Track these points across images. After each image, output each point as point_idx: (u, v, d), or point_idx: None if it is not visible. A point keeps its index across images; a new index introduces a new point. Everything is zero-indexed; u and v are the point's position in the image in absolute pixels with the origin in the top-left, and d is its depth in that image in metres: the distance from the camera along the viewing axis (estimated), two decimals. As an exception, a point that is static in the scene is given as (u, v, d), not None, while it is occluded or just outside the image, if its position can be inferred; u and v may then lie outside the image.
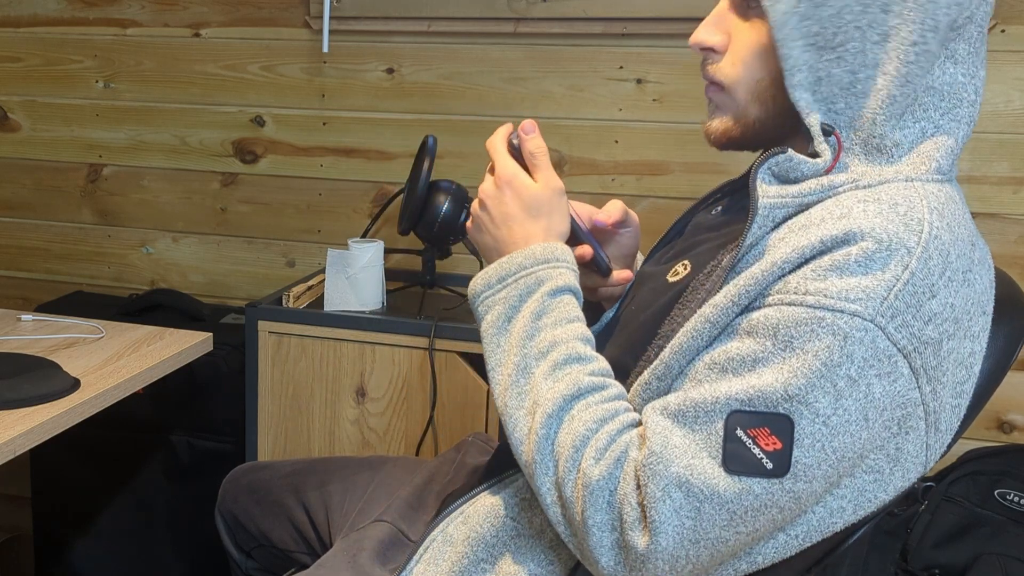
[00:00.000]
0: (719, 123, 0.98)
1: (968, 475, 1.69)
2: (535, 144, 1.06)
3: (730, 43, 0.96)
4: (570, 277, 1.00)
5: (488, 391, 1.71)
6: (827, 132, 0.90)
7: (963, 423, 0.93)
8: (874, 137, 0.90)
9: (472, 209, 1.07)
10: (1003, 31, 1.75)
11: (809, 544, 0.89)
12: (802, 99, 0.90)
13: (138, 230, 2.31)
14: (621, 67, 1.95)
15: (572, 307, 0.99)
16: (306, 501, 1.32)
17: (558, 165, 2.02)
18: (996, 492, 1.67)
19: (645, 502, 0.83)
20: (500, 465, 1.08)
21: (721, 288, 0.90)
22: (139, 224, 2.31)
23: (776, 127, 0.95)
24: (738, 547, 0.86)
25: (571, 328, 0.96)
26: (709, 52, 0.98)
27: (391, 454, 1.76)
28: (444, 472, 1.28)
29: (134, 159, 2.28)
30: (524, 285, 0.99)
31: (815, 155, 0.91)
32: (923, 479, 0.93)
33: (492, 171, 1.06)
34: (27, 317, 1.68)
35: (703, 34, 0.98)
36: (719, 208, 1.10)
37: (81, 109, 2.29)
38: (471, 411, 1.72)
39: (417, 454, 1.75)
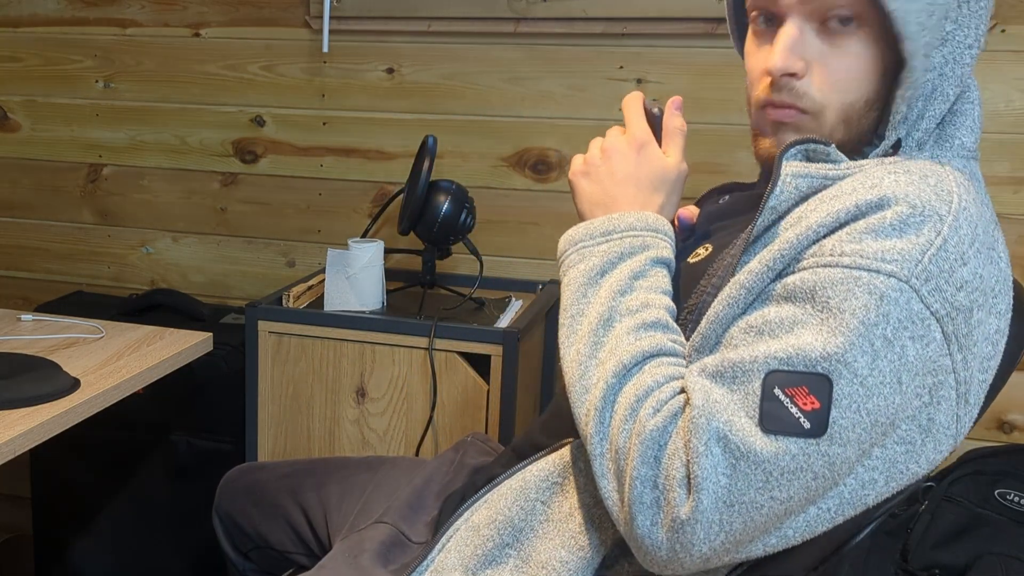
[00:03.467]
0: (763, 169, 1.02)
1: (968, 475, 1.69)
2: (681, 122, 1.07)
3: (813, 68, 0.94)
4: (672, 254, 0.99)
5: (488, 391, 1.71)
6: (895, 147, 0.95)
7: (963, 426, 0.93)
8: (917, 131, 0.95)
9: (588, 156, 1.04)
10: (1003, 31, 1.75)
11: (841, 519, 0.88)
12: (899, 112, 0.94)
13: (138, 230, 2.31)
14: (621, 67, 1.95)
15: (667, 281, 0.98)
16: (303, 502, 1.32)
17: (557, 165, 2.02)
18: (996, 492, 1.67)
19: (690, 459, 0.83)
20: (516, 458, 1.07)
21: (744, 252, 0.92)
22: (139, 224, 2.31)
23: (850, 145, 0.97)
24: (771, 518, 0.85)
25: (663, 298, 0.96)
26: (789, 78, 0.95)
27: (391, 454, 1.76)
28: (443, 472, 1.28)
29: (134, 159, 2.28)
30: (629, 244, 0.98)
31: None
32: (923, 479, 0.92)
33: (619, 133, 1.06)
34: (27, 317, 1.68)
35: (788, 61, 0.94)
36: (726, 198, 1.12)
37: (81, 109, 2.29)
38: (471, 411, 1.72)
39: (417, 454, 1.75)
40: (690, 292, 0.98)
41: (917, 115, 0.94)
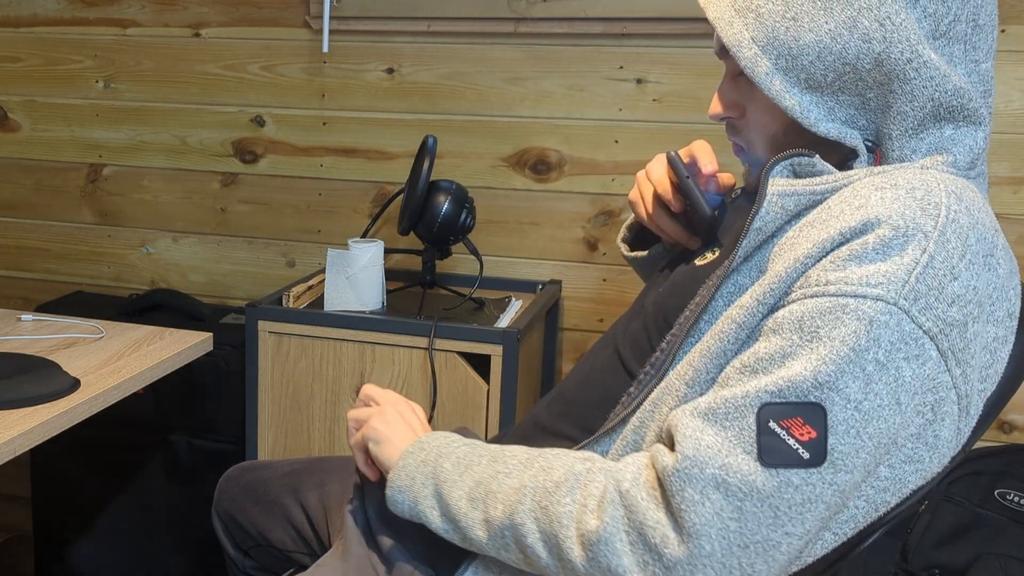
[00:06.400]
0: (755, 177, 1.04)
1: (968, 475, 1.69)
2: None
3: (745, 110, 1.02)
4: (428, 452, 1.02)
5: (488, 391, 1.71)
6: (869, 149, 0.95)
7: (977, 428, 0.93)
8: (893, 151, 0.94)
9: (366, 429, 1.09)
10: (1003, 31, 1.75)
11: (853, 534, 0.90)
12: (831, 129, 0.94)
13: (138, 230, 2.31)
14: (621, 67, 1.95)
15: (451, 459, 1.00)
16: (304, 501, 1.32)
17: (557, 165, 2.02)
18: (996, 492, 1.67)
19: (682, 507, 0.83)
20: (522, 439, 1.07)
21: (736, 271, 0.93)
22: (139, 224, 2.31)
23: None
24: (792, 553, 0.85)
25: (474, 473, 0.97)
26: (730, 119, 1.05)
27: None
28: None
29: (134, 159, 2.28)
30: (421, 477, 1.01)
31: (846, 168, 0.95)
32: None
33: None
34: (27, 317, 1.68)
35: (716, 107, 1.05)
36: (738, 191, 1.13)
37: (81, 109, 2.29)
38: (471, 411, 1.72)
39: (417, 454, 1.75)
40: (691, 296, 0.99)
41: (873, 125, 0.95)
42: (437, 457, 1.00)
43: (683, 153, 1.13)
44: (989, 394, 0.91)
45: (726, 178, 1.15)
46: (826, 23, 0.91)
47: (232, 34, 2.15)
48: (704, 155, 1.11)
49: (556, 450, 0.97)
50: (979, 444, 1.81)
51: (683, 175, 1.09)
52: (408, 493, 1.00)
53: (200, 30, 2.17)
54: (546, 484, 0.92)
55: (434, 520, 0.98)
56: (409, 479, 1.00)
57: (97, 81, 2.26)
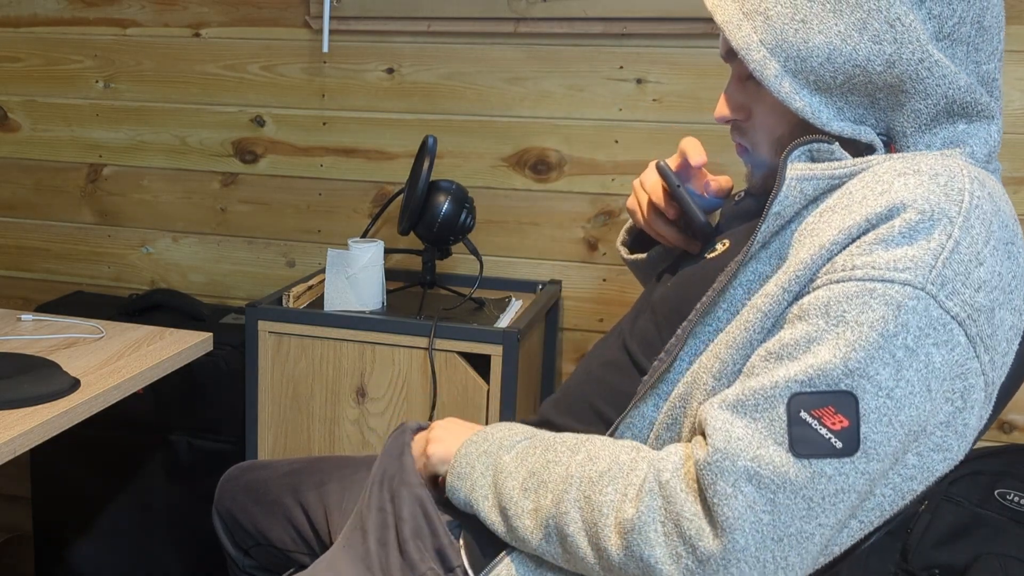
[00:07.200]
0: (759, 178, 1.05)
1: (968, 475, 1.69)
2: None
3: (751, 112, 1.02)
4: (488, 441, 1.04)
5: (488, 391, 1.71)
6: (884, 143, 0.95)
7: (985, 423, 0.93)
8: (907, 146, 0.95)
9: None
10: (1003, 31, 1.75)
11: (878, 524, 0.90)
12: (844, 128, 0.94)
13: (138, 230, 2.31)
14: (621, 67, 1.95)
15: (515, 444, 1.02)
16: (304, 501, 1.32)
17: (557, 165, 2.02)
18: (996, 492, 1.67)
19: (715, 500, 0.82)
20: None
21: (754, 258, 0.93)
22: (139, 224, 2.31)
23: None
24: (823, 543, 0.84)
25: (529, 461, 0.98)
26: (735, 122, 1.04)
27: (391, 454, 1.75)
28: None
29: (134, 159, 2.28)
30: (479, 474, 1.02)
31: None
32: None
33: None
34: (27, 317, 1.68)
35: (722, 110, 1.05)
36: (741, 194, 1.12)
37: (81, 109, 2.29)
38: (471, 411, 1.72)
39: (417, 454, 1.75)
40: (704, 289, 0.99)
41: (882, 123, 0.95)
42: (499, 449, 1.01)
43: (674, 156, 1.13)
44: (1002, 380, 0.91)
45: (723, 181, 1.14)
46: (835, 25, 0.91)
47: (232, 34, 2.15)
48: (692, 149, 1.11)
49: (603, 438, 0.97)
50: (979, 444, 1.81)
51: (673, 184, 1.09)
52: (467, 480, 1.01)
53: (200, 30, 2.17)
54: (591, 474, 0.92)
55: (485, 509, 0.99)
56: (469, 467, 1.02)
57: (97, 81, 2.26)
